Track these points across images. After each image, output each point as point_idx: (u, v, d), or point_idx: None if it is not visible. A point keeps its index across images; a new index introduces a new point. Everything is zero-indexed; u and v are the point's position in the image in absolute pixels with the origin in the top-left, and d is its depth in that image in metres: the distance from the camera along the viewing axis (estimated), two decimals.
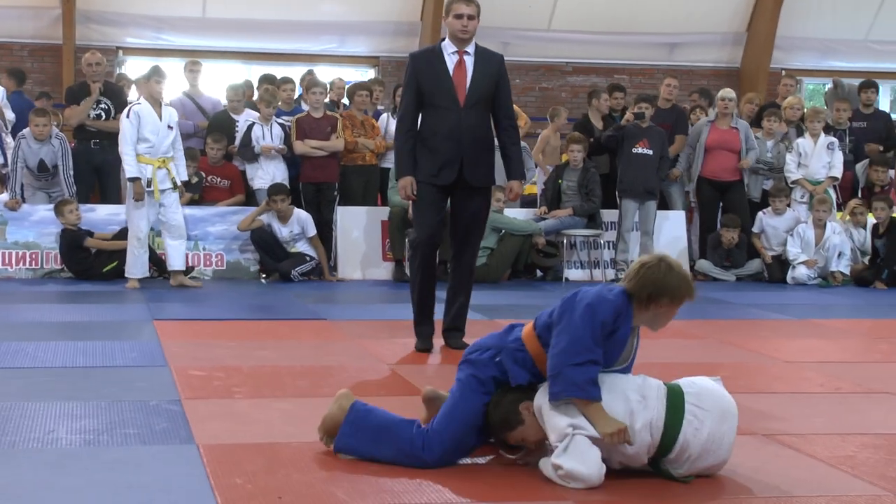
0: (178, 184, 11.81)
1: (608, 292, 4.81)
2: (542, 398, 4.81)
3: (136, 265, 11.69)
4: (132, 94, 14.29)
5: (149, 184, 11.51)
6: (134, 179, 11.44)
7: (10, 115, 13.70)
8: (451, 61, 7.91)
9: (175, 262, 11.89)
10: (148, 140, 11.48)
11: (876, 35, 19.03)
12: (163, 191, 11.63)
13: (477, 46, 8.00)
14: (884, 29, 18.95)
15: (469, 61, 7.92)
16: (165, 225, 11.82)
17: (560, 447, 4.68)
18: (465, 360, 5.08)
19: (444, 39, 8.03)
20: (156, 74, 11.86)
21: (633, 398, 4.75)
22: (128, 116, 11.48)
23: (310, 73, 15.44)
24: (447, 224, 8.30)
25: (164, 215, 11.74)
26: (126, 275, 11.77)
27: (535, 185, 14.97)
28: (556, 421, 4.72)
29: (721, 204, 14.01)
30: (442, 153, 7.82)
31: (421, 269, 7.97)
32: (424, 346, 8.07)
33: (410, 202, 8.31)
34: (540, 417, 4.81)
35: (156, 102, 11.64)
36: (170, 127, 11.68)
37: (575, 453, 4.65)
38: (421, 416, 5.21)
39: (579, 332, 4.69)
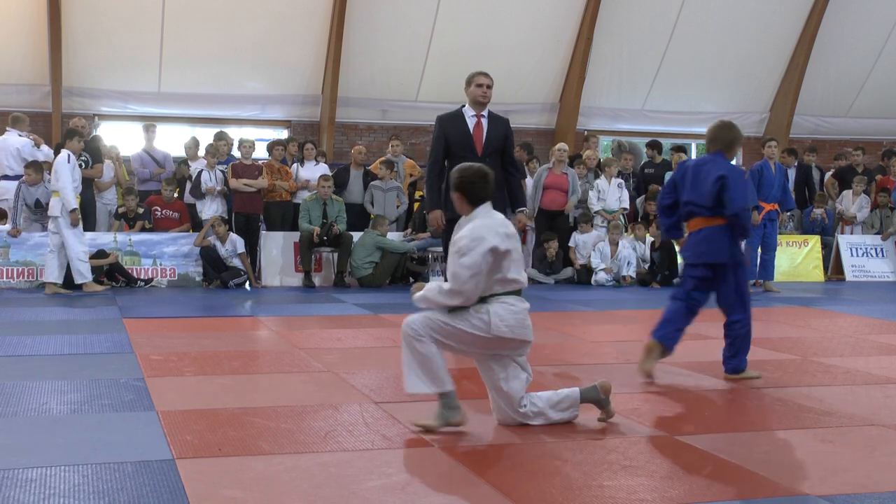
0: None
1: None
2: None
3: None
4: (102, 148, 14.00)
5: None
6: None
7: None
8: (471, 122, 7.94)
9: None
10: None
11: (649, 106, 19.47)
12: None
13: (489, 111, 8.01)
14: (654, 101, 19.40)
15: (484, 122, 7.95)
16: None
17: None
18: None
19: (464, 106, 8.03)
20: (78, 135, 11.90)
21: None
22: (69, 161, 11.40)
23: (248, 141, 15.34)
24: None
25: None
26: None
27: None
28: None
29: (551, 226, 14.02)
30: None
31: None
32: None
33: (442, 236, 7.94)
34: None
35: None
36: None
37: None
38: None
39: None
